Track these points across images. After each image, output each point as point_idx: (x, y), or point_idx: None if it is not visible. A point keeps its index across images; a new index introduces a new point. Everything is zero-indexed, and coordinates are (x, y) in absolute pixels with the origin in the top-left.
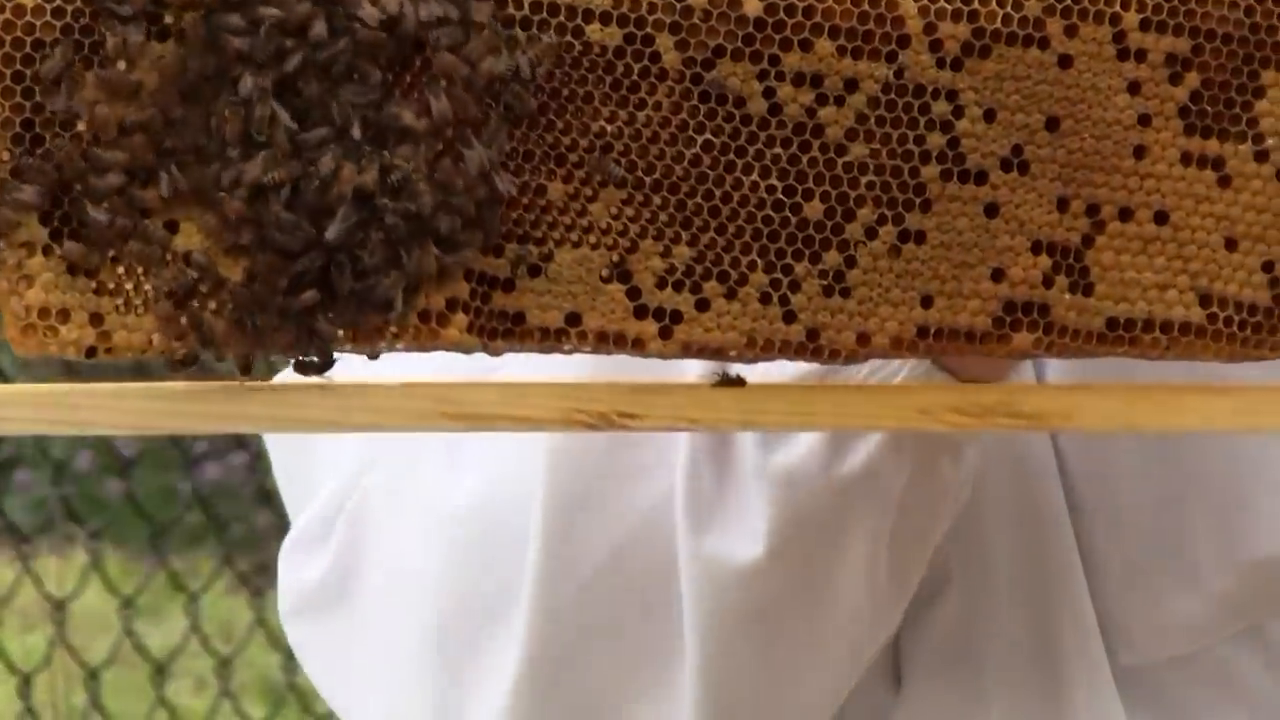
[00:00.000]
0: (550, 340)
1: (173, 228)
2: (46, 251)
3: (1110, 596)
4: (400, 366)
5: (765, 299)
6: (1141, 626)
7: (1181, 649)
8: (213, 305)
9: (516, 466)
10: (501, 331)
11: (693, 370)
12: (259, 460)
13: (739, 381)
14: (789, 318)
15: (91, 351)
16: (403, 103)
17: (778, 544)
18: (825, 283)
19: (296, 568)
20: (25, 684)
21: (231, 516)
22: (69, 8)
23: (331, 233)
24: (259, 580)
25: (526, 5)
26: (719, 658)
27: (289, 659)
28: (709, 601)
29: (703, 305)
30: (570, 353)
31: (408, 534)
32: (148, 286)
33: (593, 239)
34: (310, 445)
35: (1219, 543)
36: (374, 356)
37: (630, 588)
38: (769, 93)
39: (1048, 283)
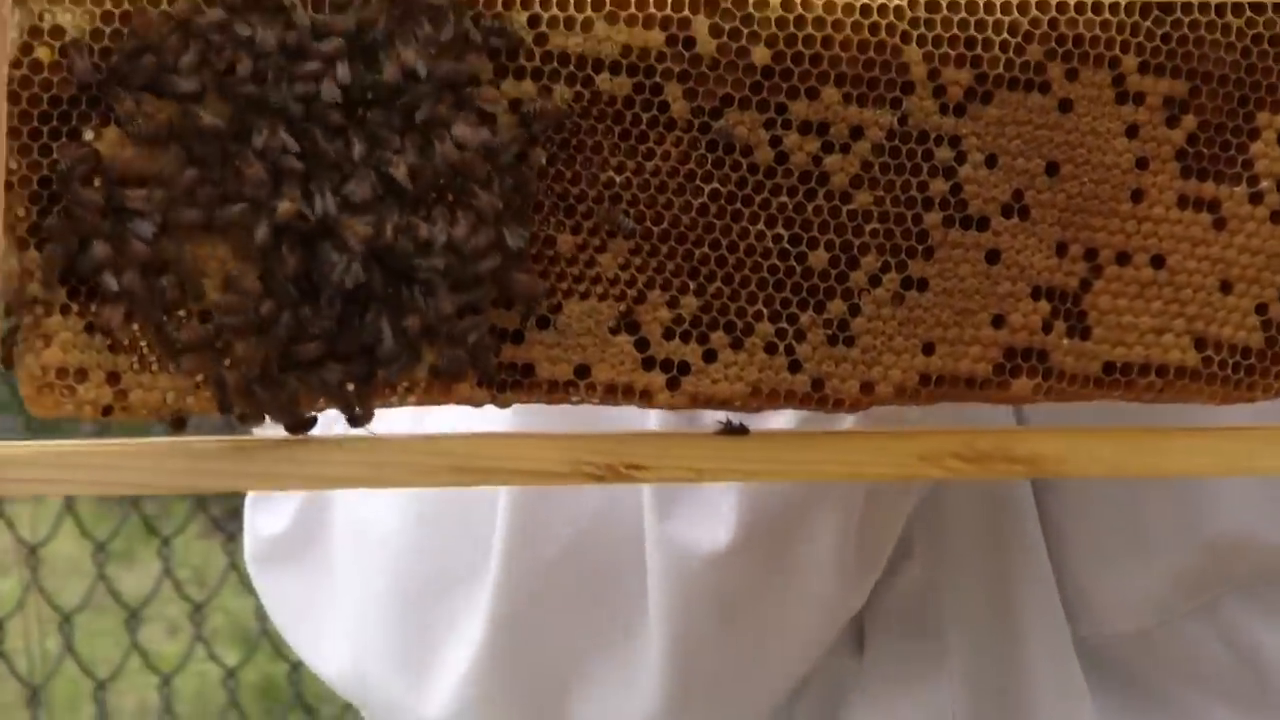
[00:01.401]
0: (559, 392)
1: (190, 284)
2: (64, 310)
3: (1072, 569)
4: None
5: (771, 349)
6: (1102, 599)
7: (1141, 623)
8: (228, 362)
9: None
10: (510, 384)
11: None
12: None
13: (742, 430)
14: (794, 367)
15: (108, 410)
16: (414, 159)
17: (745, 531)
18: (830, 332)
19: (262, 514)
20: None
21: None
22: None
23: (348, 286)
24: (232, 525)
25: (538, 56)
26: (684, 639)
27: (262, 604)
28: (675, 586)
29: (710, 356)
30: (578, 403)
31: (377, 497)
32: (160, 346)
33: (601, 290)
34: None
35: (1178, 519)
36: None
37: (596, 564)
38: (776, 141)
39: (1046, 328)
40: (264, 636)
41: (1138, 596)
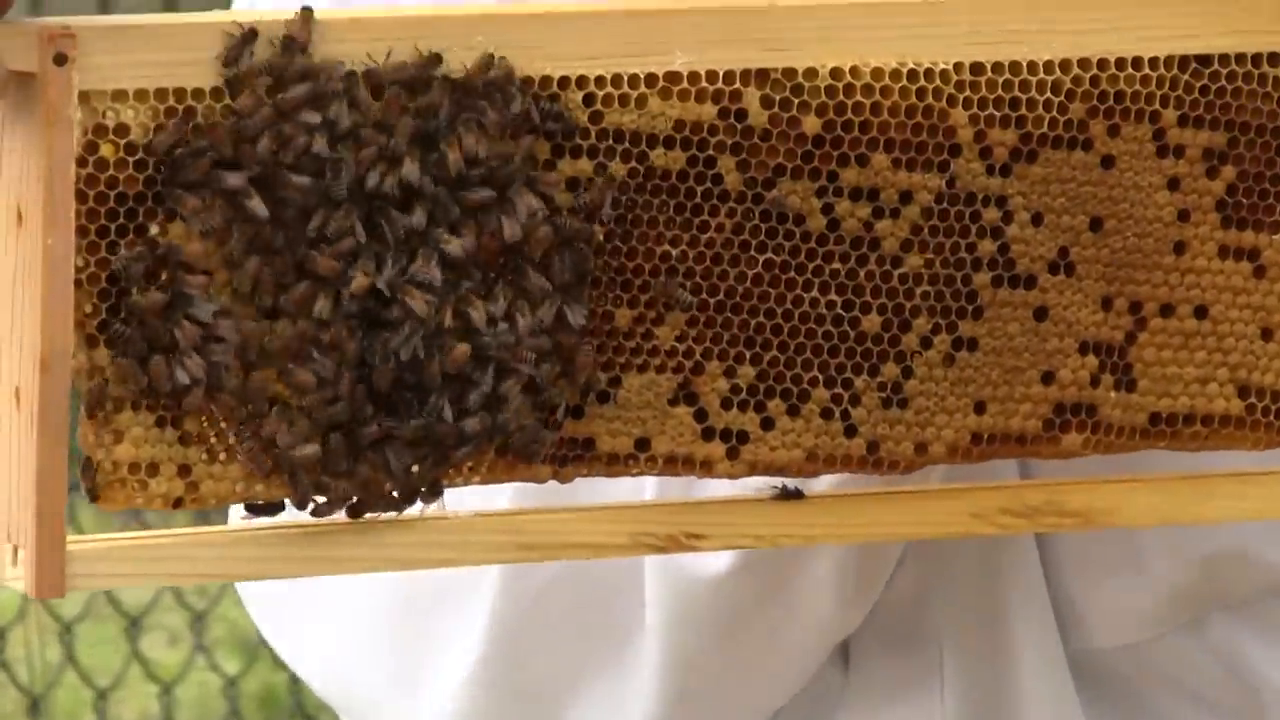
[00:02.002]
0: (619, 465)
1: (258, 374)
2: (135, 406)
3: (1064, 582)
4: None
5: (827, 414)
6: (1094, 613)
7: (1133, 637)
8: (297, 450)
9: None
10: (571, 458)
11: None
12: None
13: (797, 494)
14: (850, 432)
15: (179, 503)
16: (472, 239)
17: (745, 555)
18: (884, 395)
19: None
20: (0, 638)
21: None
22: (151, 160)
23: (404, 358)
24: None
25: (593, 134)
26: (681, 660)
27: None
28: (674, 606)
29: (767, 424)
30: (637, 475)
31: None
32: (231, 435)
33: (659, 362)
34: None
35: (1172, 535)
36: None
37: (592, 582)
38: (827, 209)
39: (1094, 382)
40: (264, 646)
41: (1130, 611)
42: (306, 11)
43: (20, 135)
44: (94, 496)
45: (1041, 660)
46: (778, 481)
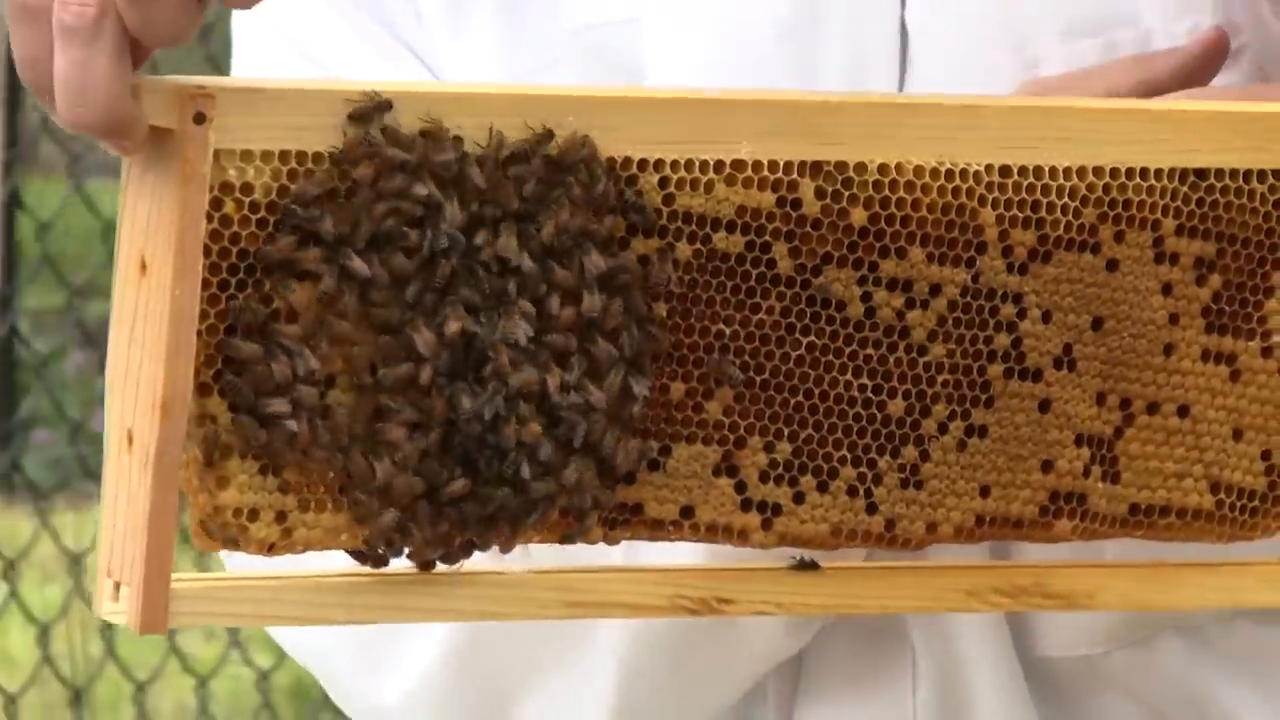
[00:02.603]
0: (663, 530)
1: (355, 430)
2: (243, 454)
3: None
4: None
5: (852, 492)
6: (1049, 621)
7: (1088, 649)
8: (385, 504)
9: None
10: (620, 521)
11: None
12: None
13: (813, 566)
14: (871, 509)
15: (272, 548)
16: (554, 310)
17: None
18: (903, 475)
19: None
20: (44, 634)
21: None
22: (271, 218)
23: (486, 417)
24: None
25: (664, 215)
26: (632, 674)
27: None
28: (630, 624)
29: (799, 498)
30: (678, 540)
31: None
32: (323, 486)
33: (706, 435)
34: None
35: (1129, 549)
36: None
37: None
38: (866, 297)
39: (1086, 473)
40: None
41: (1086, 623)
42: (420, 86)
43: (150, 186)
44: (196, 538)
45: (996, 665)
46: (794, 553)
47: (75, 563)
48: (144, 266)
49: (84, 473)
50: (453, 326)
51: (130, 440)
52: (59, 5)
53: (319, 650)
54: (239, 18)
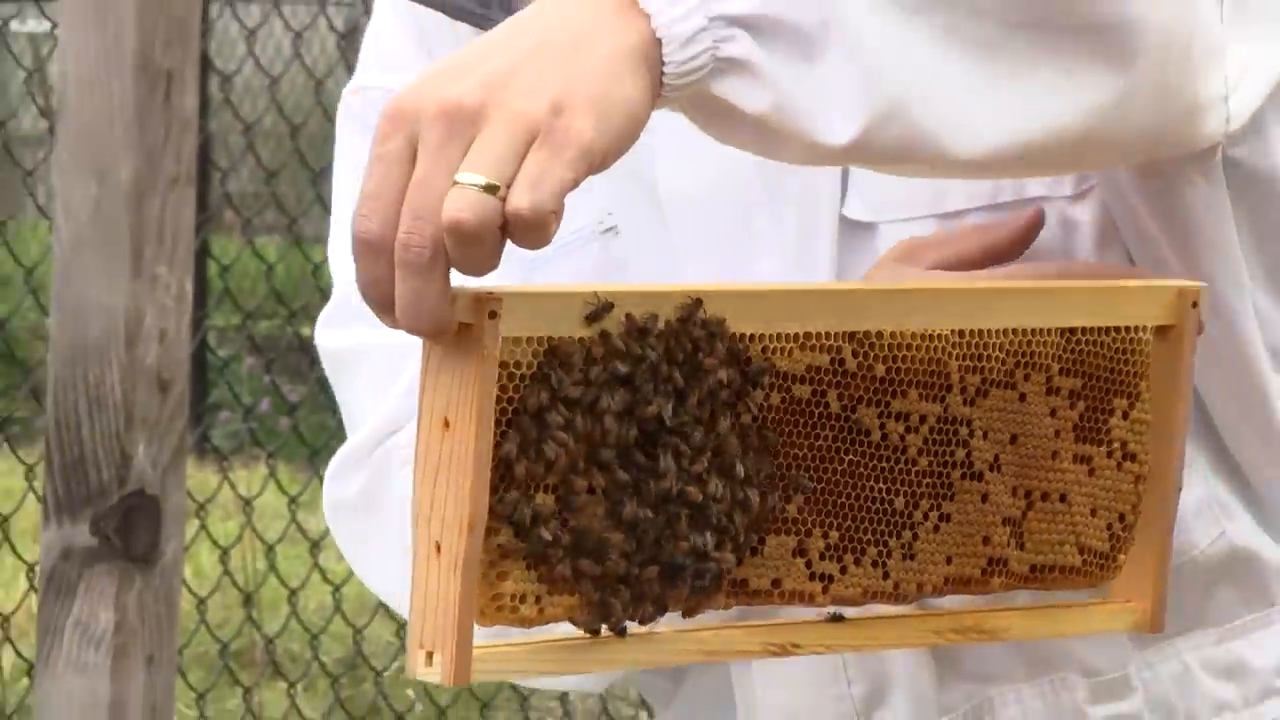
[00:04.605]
0: (759, 597)
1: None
2: (517, 558)
3: None
4: None
5: (875, 564)
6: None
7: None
8: (611, 589)
9: None
10: (733, 592)
11: None
12: None
13: (840, 618)
14: (885, 576)
15: (529, 622)
16: (700, 439)
17: None
18: (904, 551)
19: (336, 483)
20: (224, 555)
21: None
22: (533, 385)
23: (704, 538)
24: None
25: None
26: None
27: None
28: None
29: (844, 570)
30: (766, 604)
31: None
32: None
33: (786, 528)
34: (350, 384)
35: None
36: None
37: None
38: (882, 426)
39: (1008, 544)
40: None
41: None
42: (639, 289)
43: (449, 363)
44: (481, 616)
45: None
46: (828, 609)
47: (247, 504)
48: (447, 424)
49: (253, 442)
50: (665, 465)
51: (439, 550)
52: (401, 247)
53: (396, 592)
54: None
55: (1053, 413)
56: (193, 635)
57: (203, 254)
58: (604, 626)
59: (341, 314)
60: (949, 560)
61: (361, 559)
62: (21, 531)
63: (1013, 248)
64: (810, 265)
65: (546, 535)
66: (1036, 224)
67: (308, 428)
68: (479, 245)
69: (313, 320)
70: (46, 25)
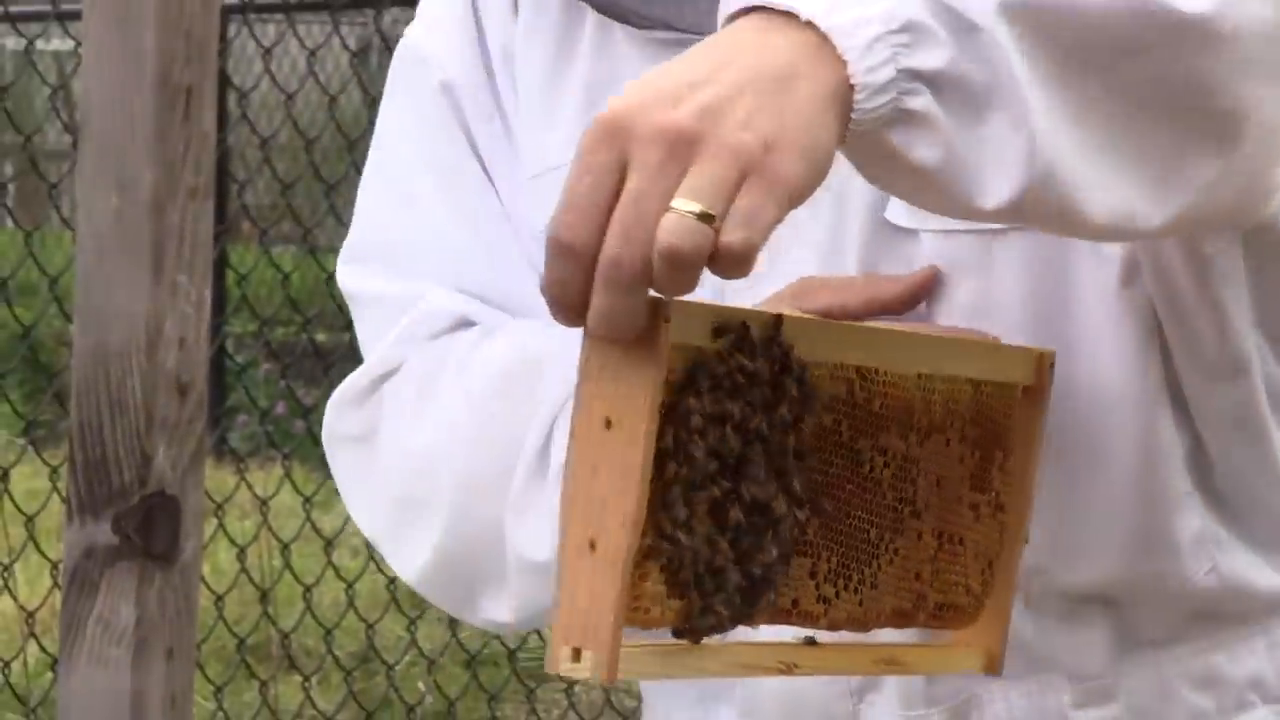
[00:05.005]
0: (781, 616)
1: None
2: (657, 560)
3: None
4: None
5: (854, 591)
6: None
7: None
8: (710, 598)
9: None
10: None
11: None
12: None
13: (813, 641)
14: (860, 603)
15: (652, 624)
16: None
17: None
18: (873, 580)
19: (336, 415)
20: (241, 553)
21: None
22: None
23: (775, 551)
24: None
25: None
26: None
27: None
28: None
29: (837, 595)
30: (786, 624)
31: (425, 424)
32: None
33: (805, 550)
34: (361, 324)
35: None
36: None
37: None
38: (870, 459)
39: (929, 582)
40: None
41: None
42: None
43: (615, 363)
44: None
45: None
46: (803, 633)
47: (264, 504)
48: (608, 423)
49: (269, 444)
50: (761, 475)
51: (593, 546)
52: (610, 264)
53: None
54: None
55: (960, 459)
56: (211, 630)
57: (221, 263)
58: (708, 634)
59: (360, 250)
60: (895, 593)
61: (353, 495)
62: (46, 531)
63: (899, 304)
64: (838, 263)
65: (685, 539)
66: (928, 284)
67: (321, 429)
68: (688, 271)
69: (327, 328)
70: (70, 44)
